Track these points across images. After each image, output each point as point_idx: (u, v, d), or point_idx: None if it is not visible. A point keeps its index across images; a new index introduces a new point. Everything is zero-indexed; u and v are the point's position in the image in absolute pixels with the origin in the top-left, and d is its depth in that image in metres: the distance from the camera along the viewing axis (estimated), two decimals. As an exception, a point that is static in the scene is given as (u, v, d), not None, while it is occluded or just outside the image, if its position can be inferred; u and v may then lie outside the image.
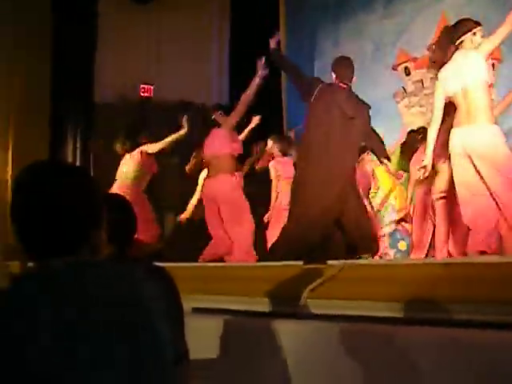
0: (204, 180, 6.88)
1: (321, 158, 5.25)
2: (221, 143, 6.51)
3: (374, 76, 8.98)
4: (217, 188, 6.42)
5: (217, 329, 3.36)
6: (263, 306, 3.40)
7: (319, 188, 5.16)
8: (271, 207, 7.47)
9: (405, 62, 8.92)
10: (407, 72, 8.90)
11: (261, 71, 6.33)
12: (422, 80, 8.74)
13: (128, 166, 7.21)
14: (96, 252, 1.54)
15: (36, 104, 8.03)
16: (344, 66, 5.67)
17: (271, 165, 7.62)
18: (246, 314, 3.48)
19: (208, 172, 6.68)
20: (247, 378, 3.22)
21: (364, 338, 2.98)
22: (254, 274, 3.91)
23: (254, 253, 6.31)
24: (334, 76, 5.63)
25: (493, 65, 7.60)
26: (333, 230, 5.25)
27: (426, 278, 3.12)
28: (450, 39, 4.76)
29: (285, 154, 7.66)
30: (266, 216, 7.45)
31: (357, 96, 5.63)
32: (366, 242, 5.29)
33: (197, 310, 3.66)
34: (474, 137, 4.56)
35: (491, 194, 4.45)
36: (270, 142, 7.74)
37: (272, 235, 6.80)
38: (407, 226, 8.50)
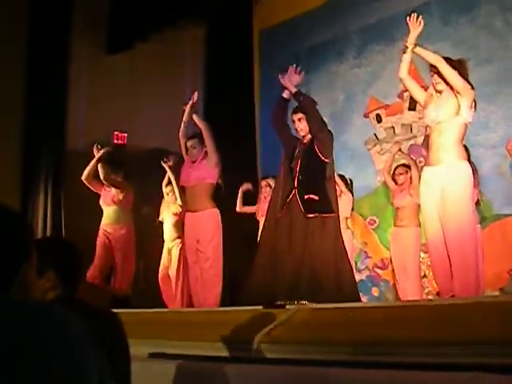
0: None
1: None
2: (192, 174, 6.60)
3: (345, 124, 9.11)
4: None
5: (172, 373, 3.34)
6: (218, 350, 3.39)
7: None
8: None
9: (376, 110, 9.05)
10: (378, 119, 9.02)
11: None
12: (393, 127, 8.86)
13: None
14: (26, 290, 1.49)
15: (6, 154, 8.07)
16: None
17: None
18: (202, 358, 3.47)
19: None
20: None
21: (317, 382, 2.97)
22: (213, 318, 3.91)
23: None
24: None
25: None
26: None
27: (380, 321, 3.13)
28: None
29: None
30: None
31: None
32: (351, 289, 5.25)
33: (153, 355, 3.63)
34: (442, 173, 4.65)
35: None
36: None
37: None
38: (380, 271, 8.54)
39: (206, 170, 6.50)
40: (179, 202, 7.59)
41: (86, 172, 7.58)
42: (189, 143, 6.59)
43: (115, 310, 2.46)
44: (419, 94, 5.06)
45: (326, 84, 9.46)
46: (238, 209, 8.29)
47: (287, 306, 3.60)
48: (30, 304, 1.39)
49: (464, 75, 4.77)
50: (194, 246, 6.47)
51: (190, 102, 6.70)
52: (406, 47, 4.88)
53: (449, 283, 4.60)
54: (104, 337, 1.80)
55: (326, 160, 5.40)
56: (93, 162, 7.56)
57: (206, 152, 6.52)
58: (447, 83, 4.73)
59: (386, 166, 7.75)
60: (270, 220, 5.42)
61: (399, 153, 7.86)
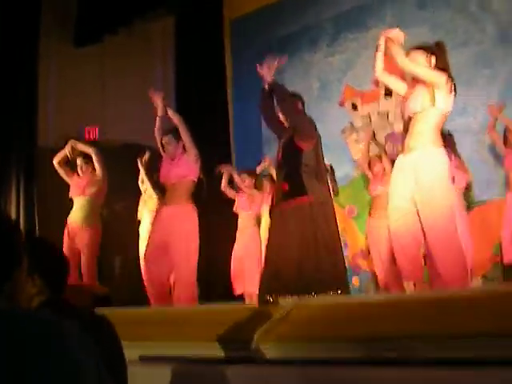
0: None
1: None
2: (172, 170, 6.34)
3: (320, 113, 9.00)
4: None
5: (166, 377, 3.20)
6: (214, 350, 3.25)
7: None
8: None
9: (351, 98, 8.97)
10: (354, 107, 8.94)
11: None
12: (369, 114, 8.78)
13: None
14: (16, 296, 1.44)
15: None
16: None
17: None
18: (196, 360, 3.33)
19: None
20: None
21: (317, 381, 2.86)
22: (204, 317, 3.77)
23: None
24: None
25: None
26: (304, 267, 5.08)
27: (378, 316, 3.02)
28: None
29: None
30: None
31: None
32: (340, 279, 5.15)
33: (144, 358, 3.48)
34: (415, 160, 4.58)
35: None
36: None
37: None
38: (361, 261, 8.48)
39: (186, 167, 6.17)
40: (153, 195, 7.47)
41: (58, 156, 7.35)
42: (164, 140, 6.22)
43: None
44: (400, 87, 4.97)
45: (300, 73, 9.36)
46: (222, 187, 8.09)
47: (282, 302, 3.47)
48: (24, 313, 1.32)
49: (443, 59, 4.70)
50: (165, 240, 6.18)
51: (160, 97, 6.29)
52: (378, 45, 4.81)
53: (417, 271, 4.57)
54: (99, 340, 1.66)
55: (304, 148, 5.32)
56: (67, 148, 7.34)
57: (184, 147, 6.21)
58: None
59: (363, 155, 7.69)
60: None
61: (373, 141, 7.80)
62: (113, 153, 8.61)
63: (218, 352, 3.16)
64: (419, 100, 4.60)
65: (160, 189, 7.02)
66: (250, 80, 9.84)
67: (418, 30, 8.04)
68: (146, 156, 7.63)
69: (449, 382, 2.53)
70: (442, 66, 4.63)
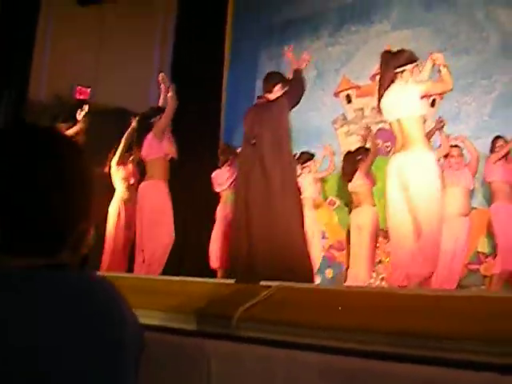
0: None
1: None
2: (151, 147, 6.56)
3: (315, 102, 9.00)
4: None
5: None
6: (191, 323, 3.24)
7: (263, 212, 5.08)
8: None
9: (347, 90, 8.97)
10: (349, 99, 8.94)
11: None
12: (362, 109, 8.78)
13: None
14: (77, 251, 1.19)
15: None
16: (265, 79, 5.68)
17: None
18: (171, 330, 3.31)
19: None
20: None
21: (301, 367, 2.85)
22: (184, 289, 3.75)
23: None
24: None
25: (433, 100, 7.71)
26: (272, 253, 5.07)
27: (366, 307, 3.03)
28: (390, 66, 4.80)
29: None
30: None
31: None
32: (306, 269, 5.17)
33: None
34: (407, 162, 4.61)
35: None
36: None
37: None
38: (336, 253, 8.51)
39: (167, 145, 6.58)
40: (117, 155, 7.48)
41: None
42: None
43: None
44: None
45: (298, 59, 9.30)
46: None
47: (264, 283, 3.46)
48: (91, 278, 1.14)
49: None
50: (146, 213, 6.42)
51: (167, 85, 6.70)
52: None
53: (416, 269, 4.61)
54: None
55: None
56: None
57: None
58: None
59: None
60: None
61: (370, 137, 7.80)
62: (101, 116, 8.54)
63: (195, 325, 3.15)
64: (409, 103, 4.67)
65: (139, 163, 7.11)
66: (246, 60, 9.84)
67: (422, 31, 8.06)
68: (134, 123, 7.58)
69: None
70: None
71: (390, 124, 4.88)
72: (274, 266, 4.81)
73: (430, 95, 4.79)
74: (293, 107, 5.40)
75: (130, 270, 6.74)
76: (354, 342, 2.63)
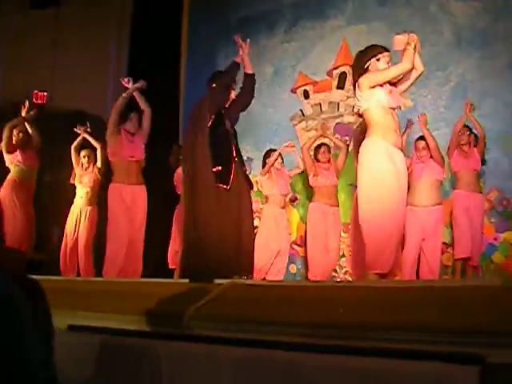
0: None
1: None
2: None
3: (272, 98, 9.00)
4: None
5: (96, 348, 3.15)
6: (144, 324, 3.21)
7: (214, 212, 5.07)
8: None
9: (304, 85, 8.97)
10: (306, 95, 8.94)
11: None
12: (320, 104, 8.80)
13: None
14: None
15: None
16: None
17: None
18: (125, 332, 3.28)
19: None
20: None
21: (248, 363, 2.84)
22: (138, 290, 3.73)
23: None
24: None
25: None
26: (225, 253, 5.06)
27: (323, 302, 3.02)
28: (360, 63, 4.82)
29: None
30: None
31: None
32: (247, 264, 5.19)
33: (73, 328, 3.42)
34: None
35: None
36: None
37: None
38: (299, 248, 8.51)
39: (140, 148, 6.59)
40: (98, 165, 7.43)
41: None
42: (129, 116, 6.56)
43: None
44: None
45: (254, 57, 9.27)
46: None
47: (217, 281, 3.45)
48: None
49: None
50: (122, 216, 6.39)
51: (138, 85, 6.59)
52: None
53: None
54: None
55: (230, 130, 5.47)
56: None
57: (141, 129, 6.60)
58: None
59: (308, 144, 7.65)
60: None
61: (327, 134, 7.81)
62: (57, 118, 8.47)
63: (147, 326, 3.12)
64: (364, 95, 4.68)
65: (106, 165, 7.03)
66: (202, 62, 9.80)
67: (377, 26, 8.09)
68: (87, 126, 7.56)
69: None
70: None
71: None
72: (225, 264, 4.80)
73: (388, 82, 4.74)
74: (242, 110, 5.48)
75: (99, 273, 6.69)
76: (298, 335, 2.63)
